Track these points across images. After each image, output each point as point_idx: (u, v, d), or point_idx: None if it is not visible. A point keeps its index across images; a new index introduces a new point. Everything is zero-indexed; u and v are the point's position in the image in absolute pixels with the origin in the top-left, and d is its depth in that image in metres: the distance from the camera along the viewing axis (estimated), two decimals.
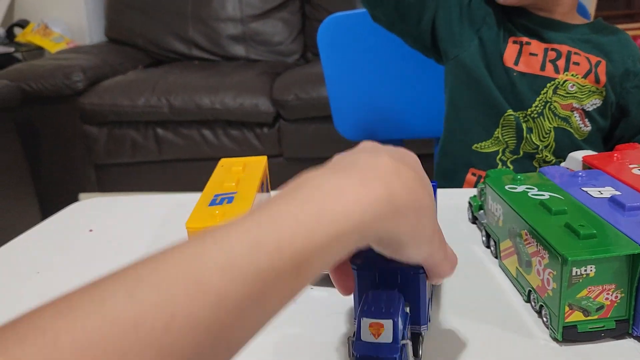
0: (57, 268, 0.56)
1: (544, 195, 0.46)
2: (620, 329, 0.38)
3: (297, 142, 1.93)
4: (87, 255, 0.58)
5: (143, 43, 2.42)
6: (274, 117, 1.91)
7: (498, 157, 0.82)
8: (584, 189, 0.47)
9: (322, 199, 0.27)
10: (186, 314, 0.21)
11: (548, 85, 0.79)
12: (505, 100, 0.81)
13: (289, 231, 0.25)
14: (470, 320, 0.42)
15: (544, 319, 0.40)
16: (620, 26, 0.86)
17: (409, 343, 0.34)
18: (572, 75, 0.79)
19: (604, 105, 0.80)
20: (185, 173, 2.00)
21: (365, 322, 0.33)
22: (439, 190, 0.48)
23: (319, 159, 0.30)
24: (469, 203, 0.59)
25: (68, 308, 0.20)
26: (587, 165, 0.55)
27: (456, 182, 0.85)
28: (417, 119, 1.17)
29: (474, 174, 0.84)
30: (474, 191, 0.60)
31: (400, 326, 0.33)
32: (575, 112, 0.79)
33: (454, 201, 0.61)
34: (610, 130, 0.84)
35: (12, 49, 2.34)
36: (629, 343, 0.39)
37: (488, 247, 0.53)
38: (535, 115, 0.80)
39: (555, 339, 0.39)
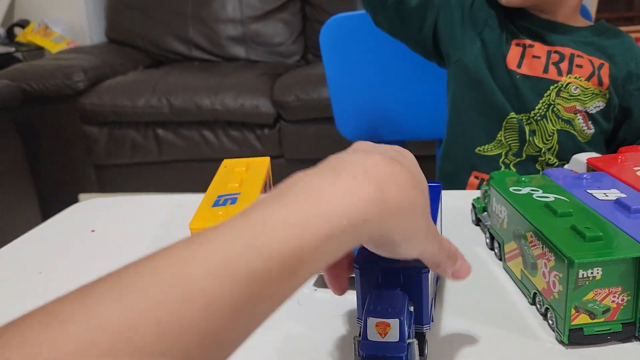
0: (59, 268, 0.55)
1: (549, 197, 0.46)
2: (627, 332, 0.38)
3: (298, 143, 1.93)
4: (89, 255, 0.58)
5: (143, 44, 2.42)
6: (274, 118, 1.91)
7: (501, 160, 0.82)
8: (589, 191, 0.47)
9: (313, 200, 0.26)
10: (176, 319, 0.21)
11: (551, 87, 0.79)
12: (508, 102, 0.80)
13: (279, 234, 0.24)
14: (475, 322, 0.42)
15: (550, 322, 0.40)
16: (621, 28, 0.86)
17: (415, 342, 0.34)
18: (575, 77, 0.79)
19: (607, 107, 0.80)
20: (185, 174, 2.00)
21: (372, 321, 0.33)
22: (442, 192, 0.48)
23: (320, 160, 0.30)
24: (473, 205, 0.59)
25: (55, 316, 0.20)
26: (591, 167, 0.55)
27: (459, 184, 0.85)
28: (418, 120, 1.16)
29: (476, 177, 0.84)
30: (477, 193, 0.60)
31: (406, 325, 0.33)
32: (578, 114, 0.79)
33: (457, 203, 0.61)
34: (613, 133, 0.84)
35: (12, 49, 2.34)
36: (635, 346, 0.38)
37: (492, 249, 0.53)
38: (539, 118, 0.80)
39: (561, 342, 0.39)
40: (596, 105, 0.79)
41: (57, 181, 1.96)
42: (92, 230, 0.63)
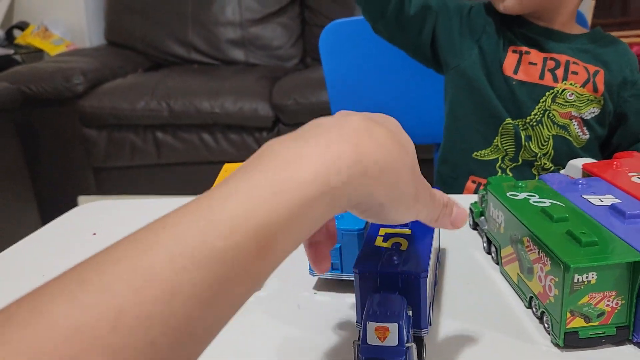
0: (61, 271, 0.56)
1: (545, 202, 0.46)
2: (621, 336, 0.39)
3: None
4: None
5: (143, 46, 2.42)
6: (273, 122, 1.92)
7: (497, 164, 0.83)
8: (585, 196, 0.48)
9: (281, 167, 0.24)
10: (135, 310, 0.20)
11: (547, 93, 0.80)
12: (505, 108, 0.81)
13: (242, 205, 0.22)
14: (472, 325, 0.43)
15: (545, 325, 0.41)
16: (616, 34, 0.87)
17: (414, 346, 0.34)
18: (571, 84, 0.80)
19: (602, 113, 0.81)
20: (184, 177, 2.00)
21: (371, 326, 0.33)
22: None
23: None
24: (470, 209, 0.59)
25: (2, 322, 0.19)
26: (587, 172, 0.56)
27: (456, 189, 0.86)
28: (416, 125, 1.17)
29: (473, 182, 0.85)
30: (474, 197, 0.60)
31: (405, 329, 0.33)
32: (573, 120, 0.80)
33: None
34: (608, 138, 0.85)
35: (11, 51, 2.34)
36: (629, 349, 0.39)
37: (489, 253, 0.54)
38: (534, 124, 0.81)
39: (556, 345, 0.39)
40: (591, 111, 0.81)
41: (56, 183, 1.96)
42: (94, 234, 0.64)
